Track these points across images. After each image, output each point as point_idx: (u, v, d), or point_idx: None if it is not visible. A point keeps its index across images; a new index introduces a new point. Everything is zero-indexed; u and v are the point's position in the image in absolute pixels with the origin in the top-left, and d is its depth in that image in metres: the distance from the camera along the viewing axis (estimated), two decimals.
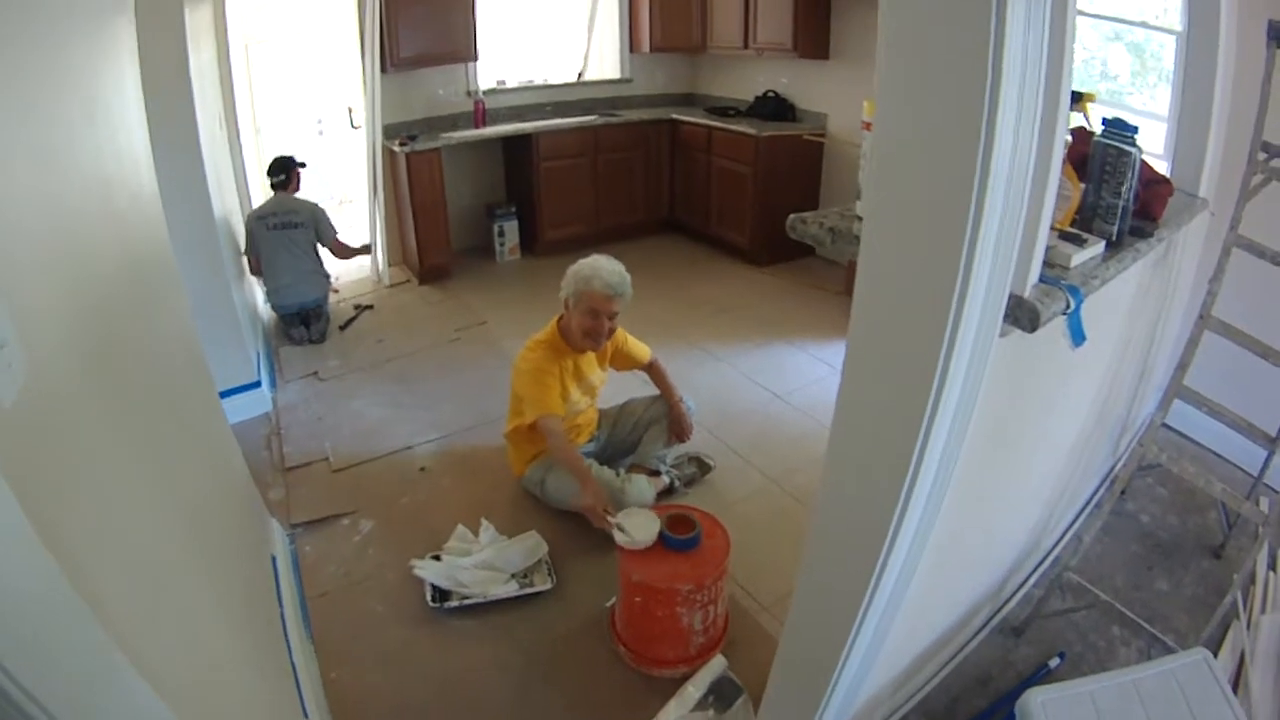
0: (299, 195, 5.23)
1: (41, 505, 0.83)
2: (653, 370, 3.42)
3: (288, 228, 5.00)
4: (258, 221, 4.96)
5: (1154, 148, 2.79)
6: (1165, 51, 3.53)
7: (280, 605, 2.49)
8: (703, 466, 3.37)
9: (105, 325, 1.48)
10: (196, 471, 2.03)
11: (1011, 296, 1.37)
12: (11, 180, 1.09)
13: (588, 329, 3.01)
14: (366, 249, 5.90)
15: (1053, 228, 1.66)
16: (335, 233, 5.34)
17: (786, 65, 6.22)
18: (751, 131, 5.84)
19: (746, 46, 6.17)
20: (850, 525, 1.57)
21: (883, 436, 1.42)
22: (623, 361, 3.36)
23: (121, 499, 1.29)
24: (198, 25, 4.17)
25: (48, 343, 1.09)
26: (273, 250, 4.99)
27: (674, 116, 6.66)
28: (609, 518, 2.62)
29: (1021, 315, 1.40)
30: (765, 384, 4.23)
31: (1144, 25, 3.51)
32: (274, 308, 5.17)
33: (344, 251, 5.50)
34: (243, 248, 5.04)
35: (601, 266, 3.01)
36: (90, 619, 0.86)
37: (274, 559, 2.71)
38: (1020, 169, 1.19)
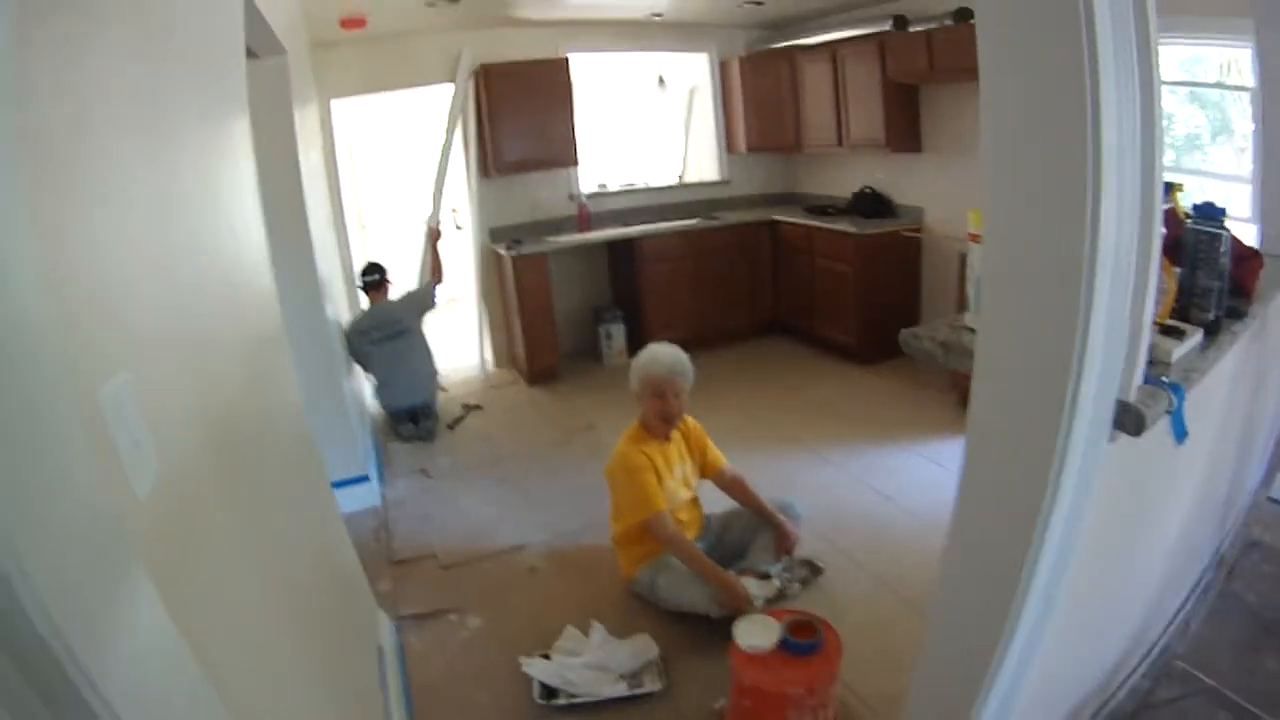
0: (390, 299, 5.40)
1: (171, 592, 0.89)
2: (737, 487, 3.43)
3: (395, 337, 5.16)
4: (360, 336, 5.12)
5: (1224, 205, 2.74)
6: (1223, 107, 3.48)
7: (385, 694, 2.54)
8: (814, 570, 3.31)
9: (225, 416, 1.56)
10: (307, 559, 2.10)
11: (1118, 403, 1.37)
12: (142, 276, 1.18)
13: (660, 411, 3.19)
14: (434, 232, 5.91)
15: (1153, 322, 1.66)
16: (433, 293, 5.52)
17: (880, 160, 6.21)
18: (851, 230, 5.84)
19: (840, 144, 6.22)
20: (964, 630, 1.56)
21: (997, 548, 1.43)
22: (706, 461, 3.43)
23: (238, 585, 1.35)
24: (306, 128, 4.44)
25: (174, 434, 1.16)
26: (381, 361, 5.16)
27: (774, 217, 6.72)
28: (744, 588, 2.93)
29: (1128, 420, 1.39)
30: (875, 485, 4.15)
31: (1218, 86, 3.43)
32: (383, 406, 5.33)
33: (439, 267, 5.66)
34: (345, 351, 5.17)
35: (658, 352, 3.24)
36: (216, 699, 0.91)
37: (380, 649, 2.77)
38: (1123, 270, 1.21)
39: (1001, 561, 1.41)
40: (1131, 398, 1.41)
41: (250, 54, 3.16)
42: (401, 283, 5.77)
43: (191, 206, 1.60)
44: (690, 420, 3.40)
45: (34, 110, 0.85)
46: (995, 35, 1.25)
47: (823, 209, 6.62)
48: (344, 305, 5.52)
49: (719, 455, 3.46)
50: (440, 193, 6.13)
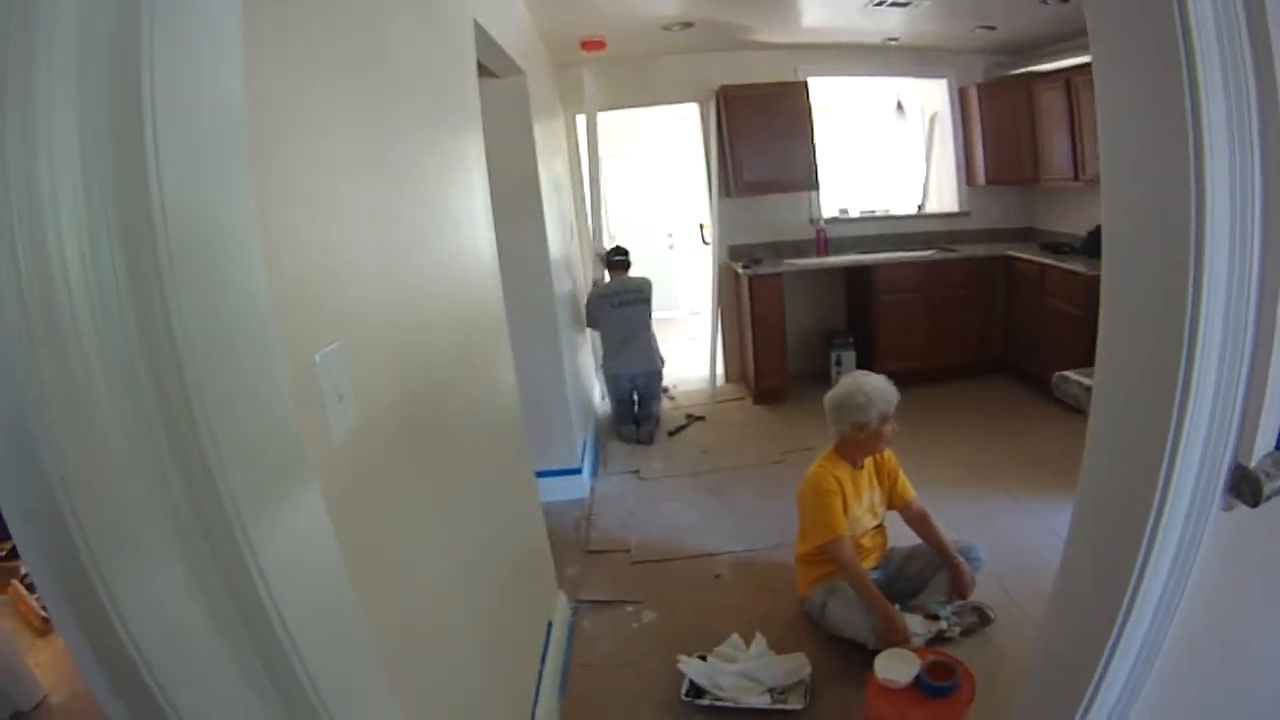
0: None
1: (347, 515, 1.10)
2: (922, 521, 3.41)
3: (632, 304, 5.63)
4: (601, 300, 5.65)
5: None
6: None
7: (543, 663, 2.77)
8: (983, 618, 3.23)
9: (431, 391, 1.80)
10: (493, 528, 2.34)
11: (1236, 467, 1.24)
12: (364, 267, 1.43)
13: (887, 437, 3.26)
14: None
15: None
16: None
17: None
18: (1080, 270, 5.43)
19: (1076, 178, 5.83)
20: (1047, 703, 1.55)
21: (1091, 610, 1.40)
22: (895, 491, 3.45)
23: (413, 528, 1.58)
24: (547, 140, 4.79)
25: (376, 397, 1.41)
26: (614, 325, 5.62)
27: (1009, 253, 6.41)
28: (905, 624, 2.94)
29: (1245, 488, 1.23)
30: None
31: None
32: (609, 377, 5.74)
33: None
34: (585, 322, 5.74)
35: (882, 384, 3.26)
36: (349, 591, 1.06)
37: (550, 625, 3.03)
38: (1242, 309, 1.14)
39: (1087, 620, 1.37)
40: (1253, 462, 1.24)
41: (492, 74, 3.53)
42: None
43: (416, 212, 1.87)
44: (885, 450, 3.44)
45: (273, 140, 1.10)
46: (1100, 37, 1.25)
47: (1057, 247, 6.18)
48: (582, 318, 5.91)
49: (908, 487, 3.46)
50: (596, 214, 6.43)
